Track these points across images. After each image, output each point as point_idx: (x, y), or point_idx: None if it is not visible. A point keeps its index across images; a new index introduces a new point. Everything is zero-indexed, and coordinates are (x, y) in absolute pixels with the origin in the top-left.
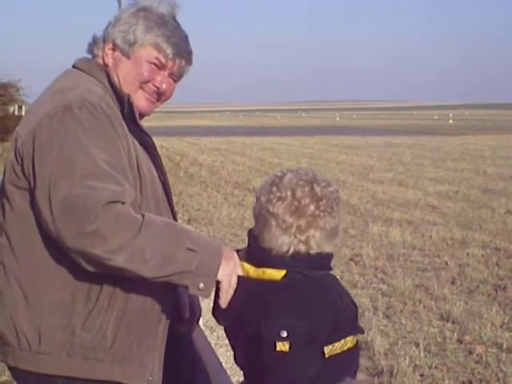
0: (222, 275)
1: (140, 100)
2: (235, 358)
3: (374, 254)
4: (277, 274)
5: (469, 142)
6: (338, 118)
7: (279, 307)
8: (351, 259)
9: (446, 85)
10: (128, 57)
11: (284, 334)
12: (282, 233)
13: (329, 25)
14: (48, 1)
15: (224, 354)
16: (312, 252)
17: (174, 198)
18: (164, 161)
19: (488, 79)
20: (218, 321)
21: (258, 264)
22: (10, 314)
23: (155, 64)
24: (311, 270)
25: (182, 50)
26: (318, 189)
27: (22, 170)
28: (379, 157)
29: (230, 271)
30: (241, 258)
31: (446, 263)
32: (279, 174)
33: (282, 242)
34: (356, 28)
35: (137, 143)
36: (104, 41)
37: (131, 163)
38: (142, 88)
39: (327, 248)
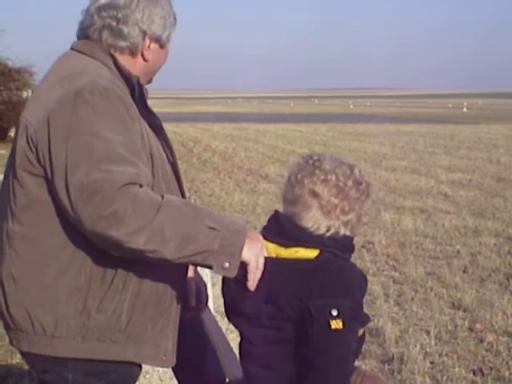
0: (248, 256)
1: None
2: (247, 349)
3: (386, 242)
4: (310, 253)
5: (482, 130)
6: (351, 106)
7: (322, 287)
8: (363, 246)
9: (460, 73)
10: (163, 47)
11: (335, 312)
12: (324, 215)
13: (342, 12)
14: None
15: (235, 339)
16: (346, 234)
17: (187, 184)
18: (177, 147)
19: (502, 67)
20: (237, 311)
21: (287, 244)
22: (23, 302)
23: None
24: (342, 251)
25: None
26: (357, 173)
27: (37, 158)
28: (392, 145)
29: (257, 252)
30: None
31: (458, 251)
32: (315, 157)
33: (322, 223)
34: (369, 15)
35: (147, 125)
36: (143, 36)
37: (143, 146)
38: None
39: (356, 232)
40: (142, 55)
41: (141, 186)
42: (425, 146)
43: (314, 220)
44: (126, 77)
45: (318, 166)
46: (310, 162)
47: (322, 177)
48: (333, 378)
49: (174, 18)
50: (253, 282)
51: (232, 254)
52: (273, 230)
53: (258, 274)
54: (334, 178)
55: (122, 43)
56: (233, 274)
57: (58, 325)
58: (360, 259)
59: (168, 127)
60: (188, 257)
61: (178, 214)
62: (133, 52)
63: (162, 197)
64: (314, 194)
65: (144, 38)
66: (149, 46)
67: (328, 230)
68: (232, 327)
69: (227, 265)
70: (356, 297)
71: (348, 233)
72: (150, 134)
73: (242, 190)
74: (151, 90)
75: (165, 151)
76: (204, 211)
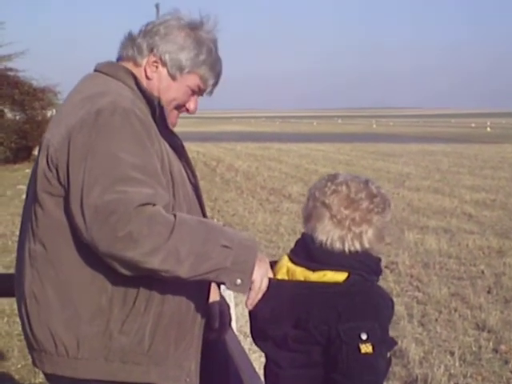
0: (254, 275)
1: (171, 118)
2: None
3: (410, 262)
4: (338, 276)
5: (506, 150)
6: (374, 125)
7: (350, 311)
8: (386, 267)
9: (484, 91)
10: (174, 79)
11: (364, 336)
12: (335, 226)
13: (366, 32)
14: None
15: (257, 359)
16: (367, 252)
17: (210, 204)
18: (200, 166)
19: None
20: (264, 334)
21: (314, 267)
22: (46, 322)
23: (193, 90)
24: (370, 274)
25: (219, 77)
26: (372, 186)
27: (58, 178)
28: (416, 164)
29: (263, 273)
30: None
31: (483, 272)
32: (333, 174)
33: (335, 235)
34: (392, 34)
35: (167, 146)
36: (149, 50)
37: (164, 167)
38: (175, 108)
39: (377, 249)
40: (145, 70)
41: (154, 205)
42: (449, 166)
43: (327, 231)
44: (147, 97)
45: (331, 179)
46: (326, 177)
47: (333, 187)
48: None
49: (206, 65)
50: (252, 301)
51: (244, 271)
52: (300, 252)
53: (260, 295)
54: (344, 188)
55: (130, 51)
56: (245, 290)
57: (80, 346)
58: (383, 279)
59: (191, 147)
60: (201, 275)
61: (192, 233)
62: (136, 62)
63: (175, 216)
64: (324, 205)
65: (149, 53)
66: (155, 66)
67: (343, 244)
68: (255, 348)
69: (239, 281)
70: (383, 320)
71: (367, 246)
72: (171, 155)
73: (265, 210)
74: None
75: (186, 172)
76: (217, 229)
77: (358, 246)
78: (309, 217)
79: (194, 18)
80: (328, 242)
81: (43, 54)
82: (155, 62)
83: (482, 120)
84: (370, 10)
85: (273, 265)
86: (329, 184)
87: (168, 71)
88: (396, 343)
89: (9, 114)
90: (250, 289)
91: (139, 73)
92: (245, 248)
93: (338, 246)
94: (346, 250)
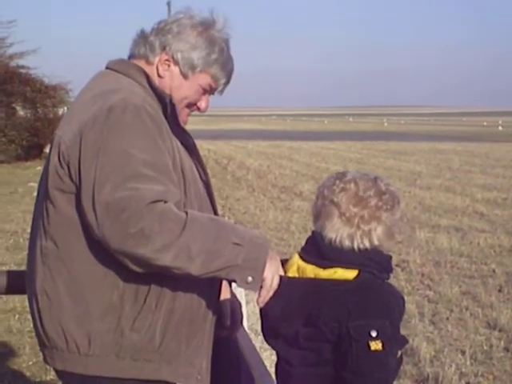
0: (266, 273)
1: (182, 116)
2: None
3: (421, 261)
4: (349, 274)
5: None
6: (385, 124)
7: (361, 308)
8: (397, 265)
9: (496, 91)
10: (186, 78)
11: (374, 333)
12: (343, 223)
13: (377, 29)
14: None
15: (269, 357)
16: (377, 249)
17: (221, 202)
18: (211, 164)
19: None
20: (275, 332)
21: (325, 264)
22: (57, 318)
23: (204, 89)
24: (380, 271)
25: (231, 76)
26: (381, 184)
27: (69, 175)
28: (427, 163)
29: (274, 271)
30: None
31: (494, 271)
32: (341, 172)
33: (344, 232)
34: (402, 32)
35: (179, 144)
36: (162, 48)
37: (175, 164)
38: (186, 106)
39: (386, 247)
40: (157, 68)
41: (165, 202)
42: (460, 165)
43: (336, 229)
44: (158, 95)
45: (339, 177)
46: (335, 175)
47: (342, 185)
48: None
49: (218, 65)
50: (263, 298)
51: (255, 269)
52: (311, 250)
53: (271, 293)
54: (353, 186)
55: (142, 49)
56: (256, 288)
57: (91, 342)
58: (395, 278)
59: (202, 144)
60: (213, 272)
61: (203, 231)
62: (148, 60)
63: (186, 213)
64: (333, 203)
65: (162, 51)
66: (167, 64)
67: (352, 241)
68: (266, 345)
69: (250, 279)
70: (394, 318)
71: (376, 243)
72: (182, 152)
73: (276, 208)
74: None
75: (197, 170)
76: (228, 226)
77: (367, 244)
78: (318, 215)
79: (207, 17)
80: (337, 240)
81: (53, 52)
82: (167, 60)
83: (494, 119)
84: (370, 8)
85: (284, 263)
86: (337, 182)
87: (180, 70)
88: (407, 341)
89: (20, 112)
90: (261, 286)
91: (151, 71)
92: (256, 246)
93: (347, 243)
94: (356, 247)
